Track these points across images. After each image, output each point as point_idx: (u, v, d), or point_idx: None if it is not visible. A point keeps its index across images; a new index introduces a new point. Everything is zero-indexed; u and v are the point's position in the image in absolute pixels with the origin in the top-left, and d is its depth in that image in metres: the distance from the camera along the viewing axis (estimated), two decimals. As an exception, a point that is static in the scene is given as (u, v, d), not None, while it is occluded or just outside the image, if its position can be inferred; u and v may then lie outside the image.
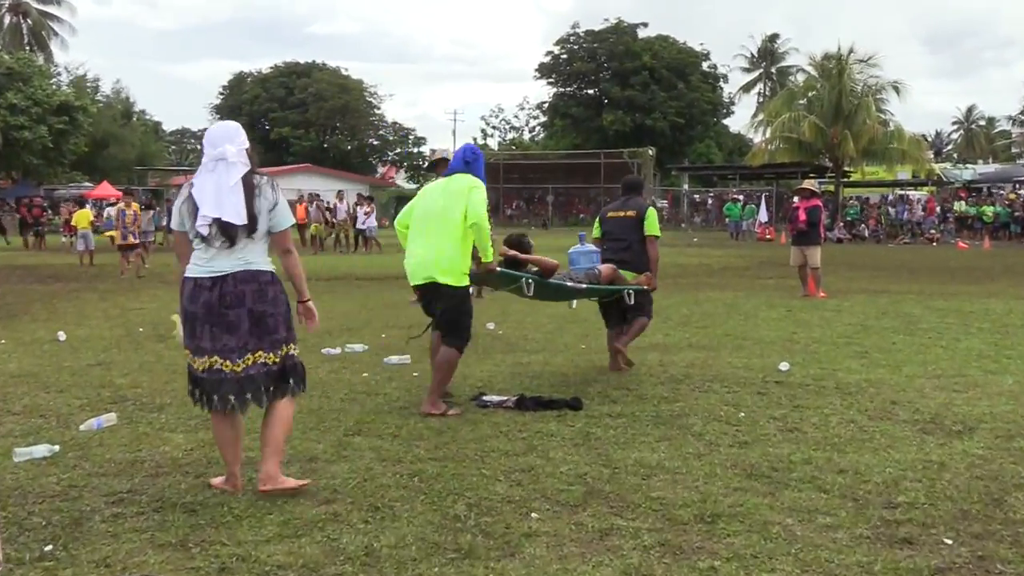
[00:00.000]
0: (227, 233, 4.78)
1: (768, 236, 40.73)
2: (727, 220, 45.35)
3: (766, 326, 11.86)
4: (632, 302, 8.58)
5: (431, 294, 6.92)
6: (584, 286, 8.17)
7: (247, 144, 4.97)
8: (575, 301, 9.11)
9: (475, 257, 6.96)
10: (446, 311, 6.88)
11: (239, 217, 4.77)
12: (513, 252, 7.77)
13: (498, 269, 7.22)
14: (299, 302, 5.12)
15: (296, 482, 4.92)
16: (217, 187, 4.81)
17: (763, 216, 43.79)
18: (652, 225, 8.74)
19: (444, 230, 6.83)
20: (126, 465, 5.45)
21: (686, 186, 58.81)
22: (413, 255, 6.93)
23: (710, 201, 56.01)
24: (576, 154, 62.19)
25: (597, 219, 9.15)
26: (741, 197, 47.23)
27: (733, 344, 10.27)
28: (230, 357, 4.77)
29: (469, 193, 6.86)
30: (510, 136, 79.85)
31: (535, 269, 7.78)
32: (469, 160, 7.13)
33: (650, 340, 10.34)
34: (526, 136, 79.44)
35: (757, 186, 56.04)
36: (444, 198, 6.95)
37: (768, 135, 48.32)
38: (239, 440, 4.96)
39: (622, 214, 8.86)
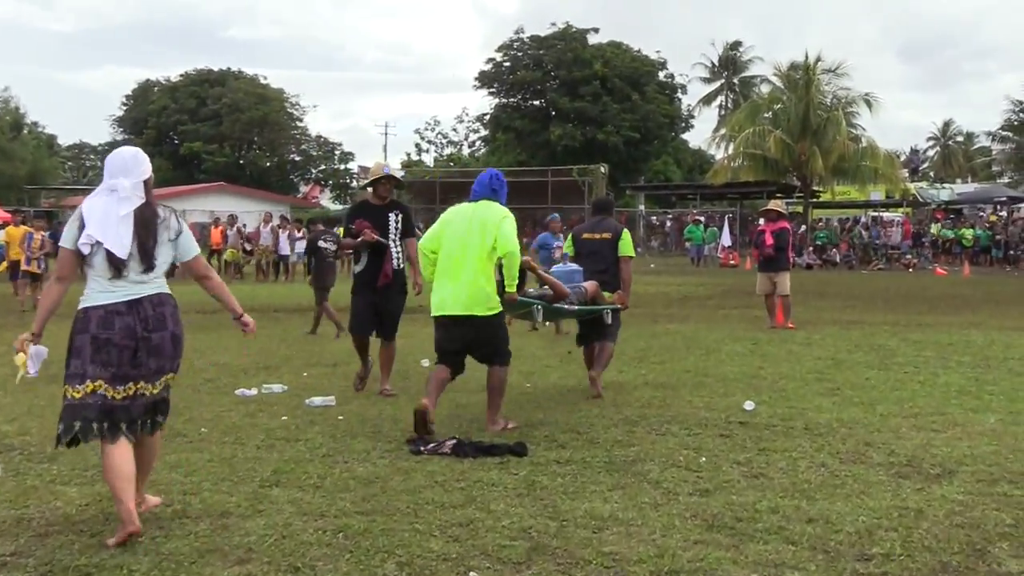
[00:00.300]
0: (113, 262, 5.07)
1: (732, 262, 41.18)
2: (688, 244, 45.77)
3: (730, 361, 11.97)
4: (610, 321, 9.64)
5: (462, 327, 7.75)
6: (576, 307, 9.28)
7: (147, 175, 5.24)
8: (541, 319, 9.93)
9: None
10: (486, 339, 7.82)
11: (121, 249, 5.06)
12: (533, 264, 8.90)
13: (518, 298, 8.08)
14: (235, 319, 5.56)
15: (155, 499, 5.56)
16: (106, 213, 5.10)
17: (726, 240, 44.28)
18: (626, 246, 9.82)
19: (477, 262, 7.71)
20: (11, 523, 5.36)
21: (642, 207, 59.20)
22: (446, 289, 7.78)
23: (669, 223, 56.45)
24: (521, 171, 62.04)
25: (570, 237, 10.21)
26: (702, 219, 47.72)
27: (693, 381, 10.36)
28: (152, 380, 5.15)
29: (501, 223, 7.68)
30: (448, 151, 79.93)
31: (547, 292, 9.04)
32: (496, 188, 7.97)
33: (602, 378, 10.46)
34: (465, 151, 79.58)
35: (719, 207, 56.67)
36: (475, 227, 7.78)
37: (731, 151, 49.02)
38: (134, 473, 5.14)
39: (598, 236, 9.90)
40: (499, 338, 7.89)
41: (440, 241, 7.90)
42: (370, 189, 9.71)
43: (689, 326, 16.44)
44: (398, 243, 9.57)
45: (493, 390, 7.90)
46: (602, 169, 53.97)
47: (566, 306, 9.13)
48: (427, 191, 61.92)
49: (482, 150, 77.67)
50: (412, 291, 9.52)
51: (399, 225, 9.59)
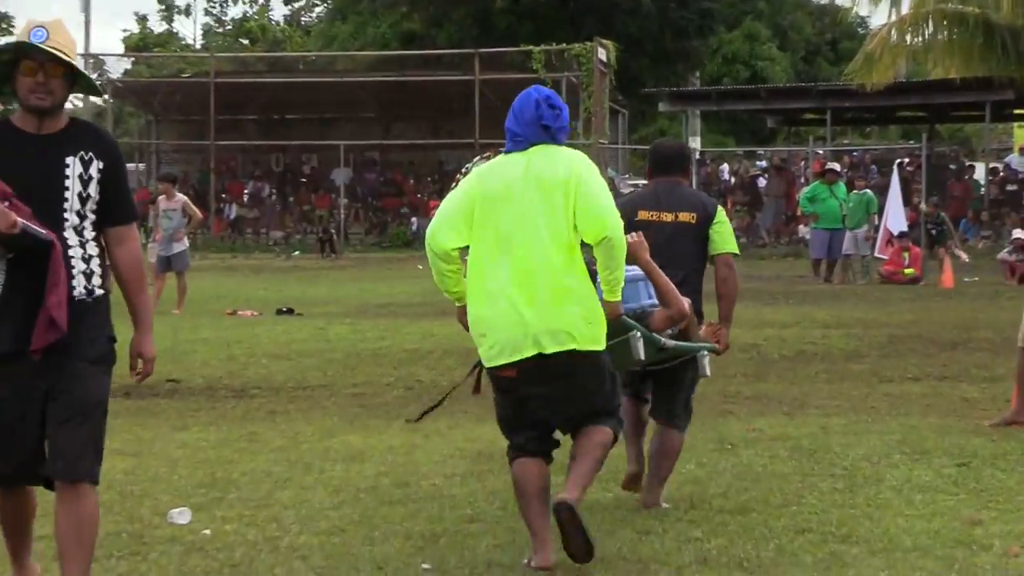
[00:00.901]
0: None
1: (908, 268, 41.78)
2: (806, 229, 45.77)
3: (903, 505, 12.17)
4: (707, 372, 11.96)
5: (546, 376, 9.43)
6: (672, 343, 11.26)
7: None
8: None
9: None
10: (591, 387, 9.62)
11: None
12: (641, 250, 10.83)
13: (623, 313, 10.09)
14: None
15: None
16: None
17: (896, 220, 44.12)
18: (726, 236, 11.84)
19: (557, 257, 9.38)
20: None
21: (696, 140, 59.55)
22: (504, 314, 9.39)
23: (763, 179, 56.76)
24: (411, 57, 62.68)
25: None
26: (837, 168, 47.46)
27: (816, 556, 10.50)
28: None
29: (581, 179, 9.38)
30: (237, 11, 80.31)
31: (649, 307, 11.16)
32: (550, 122, 9.60)
33: (614, 549, 10.62)
34: (277, 14, 80.00)
35: (877, 140, 56.82)
36: (537, 194, 9.43)
37: (904, 12, 49.36)
38: None
39: (670, 217, 11.75)
40: (608, 381, 9.76)
41: (474, 228, 9.50)
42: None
43: (805, 421, 16.81)
44: (88, 237, 8.72)
45: (587, 459, 9.58)
46: (601, 52, 54.26)
47: (664, 340, 11.11)
48: (191, 105, 61.98)
49: (319, 8, 77.99)
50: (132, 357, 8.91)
51: (90, 191, 8.66)
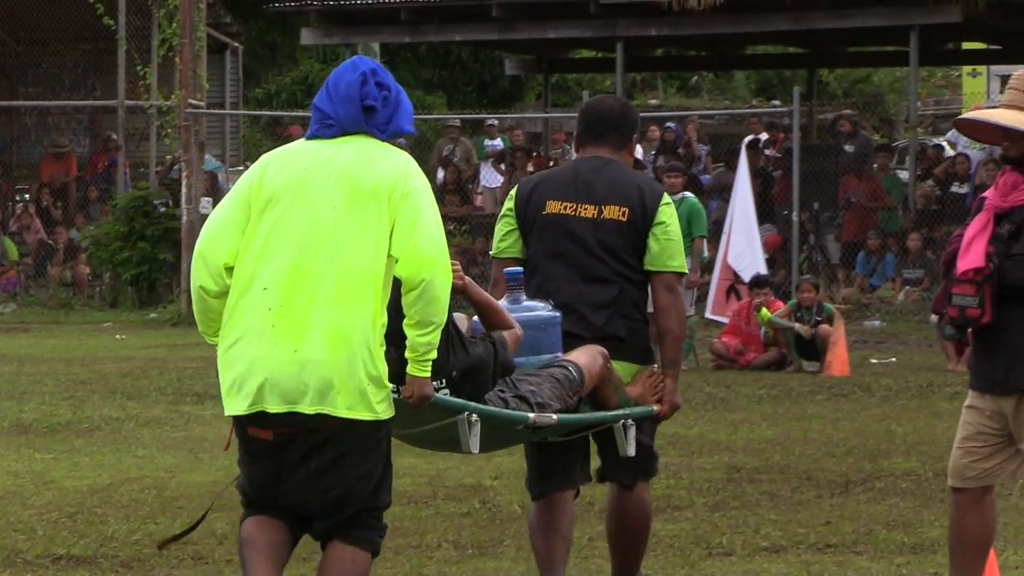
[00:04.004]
0: None
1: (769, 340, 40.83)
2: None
3: None
4: (631, 450, 13.92)
5: (305, 439, 11.18)
6: (555, 418, 13.11)
7: None
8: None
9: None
10: (353, 476, 11.27)
11: None
12: (471, 287, 13.40)
13: (434, 393, 11.78)
14: None
15: None
16: None
17: (744, 251, 44.45)
18: (668, 246, 13.91)
19: (352, 289, 11.09)
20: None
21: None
22: (263, 354, 11.06)
23: (493, 175, 55.80)
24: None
25: (510, 212, 14.50)
26: (639, 154, 46.19)
27: None
28: None
29: (408, 197, 11.14)
30: None
31: (478, 352, 13.05)
32: (376, 104, 11.19)
33: None
34: None
35: (713, 100, 57.59)
36: (342, 200, 11.16)
37: None
38: None
39: (591, 210, 13.91)
40: (376, 476, 11.24)
41: (246, 242, 10.94)
42: None
43: None
44: None
45: None
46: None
47: (536, 416, 12.60)
48: None
49: None
50: None
51: None
